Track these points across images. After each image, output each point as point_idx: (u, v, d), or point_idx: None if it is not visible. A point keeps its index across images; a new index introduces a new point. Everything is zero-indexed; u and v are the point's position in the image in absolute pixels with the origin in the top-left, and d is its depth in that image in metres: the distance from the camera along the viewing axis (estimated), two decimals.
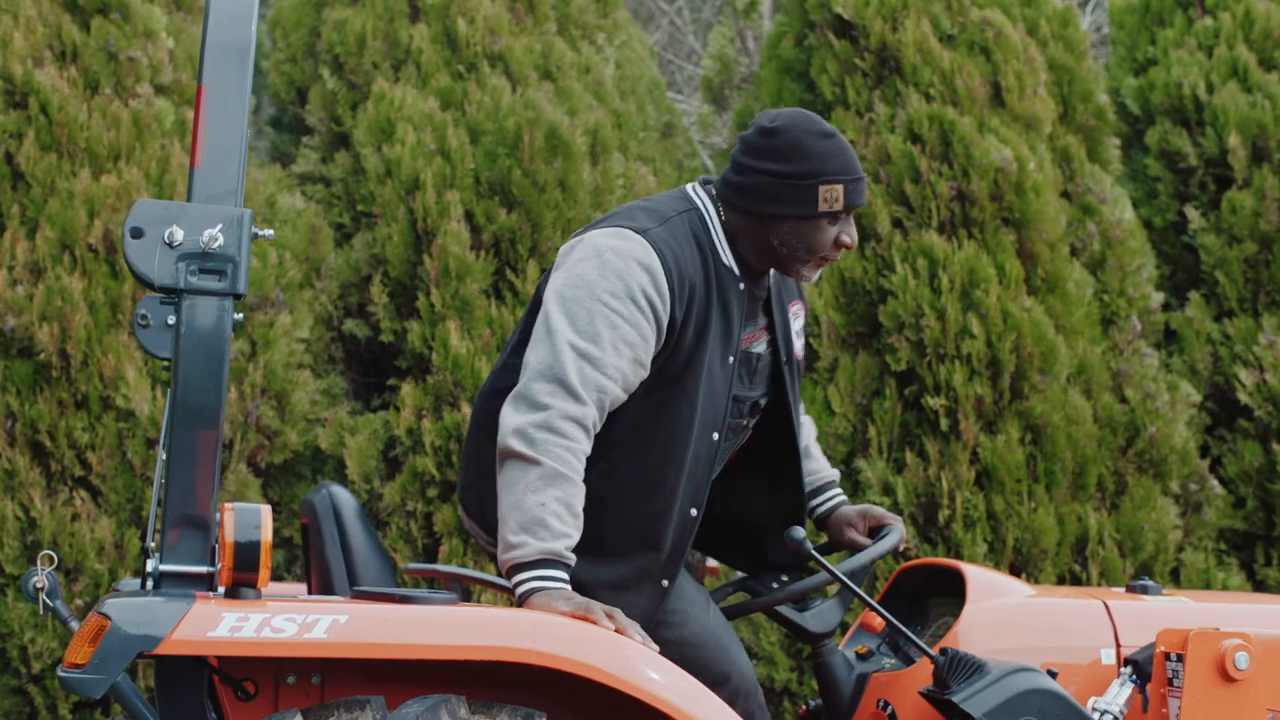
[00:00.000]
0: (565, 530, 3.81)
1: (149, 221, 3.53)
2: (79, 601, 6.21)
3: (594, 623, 3.67)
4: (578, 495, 3.85)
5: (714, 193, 4.24)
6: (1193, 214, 7.67)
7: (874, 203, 7.05)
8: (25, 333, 6.42)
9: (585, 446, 3.90)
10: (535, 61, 7.67)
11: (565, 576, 3.80)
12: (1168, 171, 7.90)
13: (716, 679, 4.08)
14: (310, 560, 4.28)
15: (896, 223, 7.09)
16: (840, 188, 4.13)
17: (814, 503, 4.65)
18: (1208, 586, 6.91)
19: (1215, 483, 7.16)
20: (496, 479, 3.89)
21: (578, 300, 3.95)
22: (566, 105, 7.50)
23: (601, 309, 3.94)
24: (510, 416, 3.88)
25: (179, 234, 3.52)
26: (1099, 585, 6.69)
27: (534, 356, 3.94)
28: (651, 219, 4.10)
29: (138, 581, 3.98)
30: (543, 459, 3.81)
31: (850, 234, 4.19)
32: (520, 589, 3.78)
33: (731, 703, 3.98)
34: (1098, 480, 6.89)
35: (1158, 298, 7.41)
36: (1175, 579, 6.97)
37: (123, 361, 6.43)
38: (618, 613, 3.77)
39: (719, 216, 4.20)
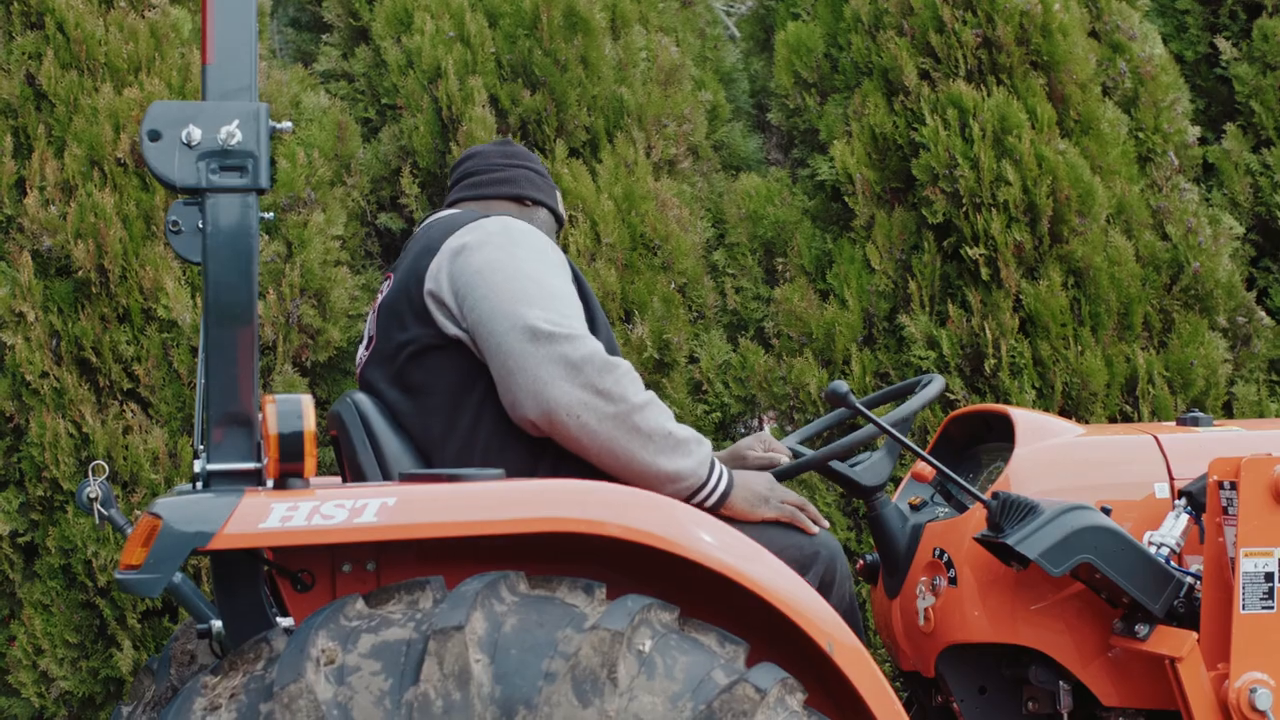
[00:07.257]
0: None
1: (165, 123, 3.50)
2: (137, 513, 6.25)
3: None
4: None
5: (470, 206, 4.51)
6: (1224, 45, 7.56)
7: (899, 56, 6.97)
8: (62, 251, 6.43)
9: None
10: None
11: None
12: (1196, 3, 7.78)
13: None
14: (344, 468, 4.28)
15: (924, 74, 7.01)
16: (559, 195, 4.65)
17: None
18: (1261, 417, 6.87)
19: (1263, 314, 7.10)
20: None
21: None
22: None
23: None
24: None
25: (196, 133, 3.49)
26: None
27: None
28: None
29: (189, 486, 4.00)
30: None
31: None
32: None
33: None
34: (1144, 319, 6.84)
35: (1194, 132, 7.31)
36: (1228, 412, 6.93)
37: (161, 273, 6.43)
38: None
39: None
